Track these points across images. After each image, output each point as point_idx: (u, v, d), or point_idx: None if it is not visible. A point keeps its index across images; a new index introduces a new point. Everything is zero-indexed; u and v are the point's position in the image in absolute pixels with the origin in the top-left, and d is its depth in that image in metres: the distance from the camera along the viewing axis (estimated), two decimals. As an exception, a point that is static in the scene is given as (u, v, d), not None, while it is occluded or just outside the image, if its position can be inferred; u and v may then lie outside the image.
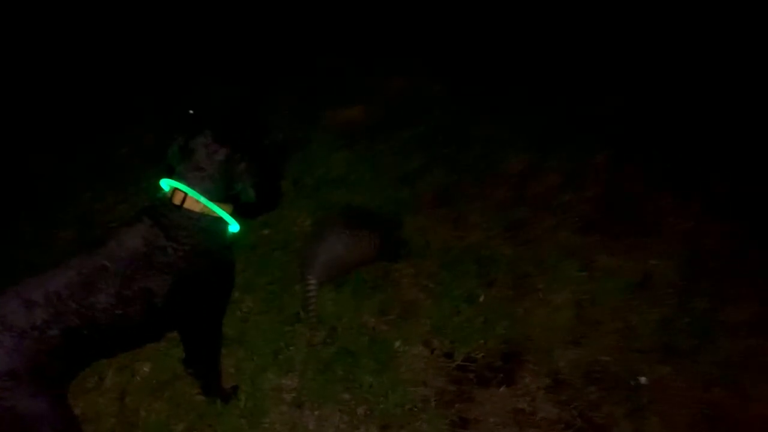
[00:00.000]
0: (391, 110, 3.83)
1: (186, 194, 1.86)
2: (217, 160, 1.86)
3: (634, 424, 2.29)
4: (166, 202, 1.87)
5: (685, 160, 3.51)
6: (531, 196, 3.31)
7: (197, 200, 1.87)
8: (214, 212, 1.90)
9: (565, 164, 3.51)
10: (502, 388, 2.40)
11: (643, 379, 2.47)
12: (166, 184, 1.89)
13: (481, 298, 2.71)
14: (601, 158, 3.55)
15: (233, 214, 1.94)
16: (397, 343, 2.52)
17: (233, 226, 1.96)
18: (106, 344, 1.82)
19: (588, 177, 3.43)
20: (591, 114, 3.87)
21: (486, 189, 3.35)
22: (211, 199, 1.88)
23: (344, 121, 3.72)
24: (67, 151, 3.45)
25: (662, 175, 3.45)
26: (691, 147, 3.59)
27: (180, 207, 1.86)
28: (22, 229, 2.97)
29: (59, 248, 2.86)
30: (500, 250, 2.97)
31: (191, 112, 2.10)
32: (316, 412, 2.28)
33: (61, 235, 2.95)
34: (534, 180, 3.41)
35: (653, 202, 3.31)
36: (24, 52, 4.21)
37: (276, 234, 2.93)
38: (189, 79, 4.20)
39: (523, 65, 4.25)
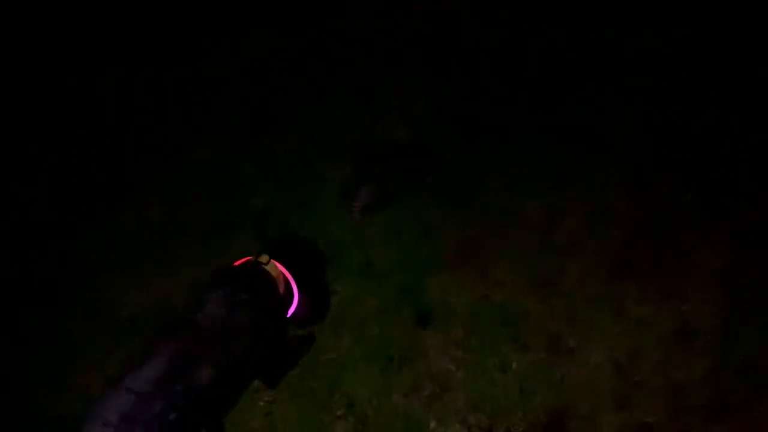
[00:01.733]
0: (398, 162, 3.71)
1: None
2: None
3: (692, 493, 2.16)
4: None
5: (709, 188, 3.38)
6: (554, 244, 3.17)
7: None
8: None
9: (585, 204, 3.37)
10: (547, 465, 2.27)
11: (696, 441, 2.35)
12: None
13: (515, 365, 2.58)
14: (624, 193, 3.42)
15: None
16: (432, 424, 2.41)
17: None
18: (208, 415, 1.97)
19: (610, 216, 3.30)
20: (604, 144, 3.74)
21: (508, 239, 3.21)
22: None
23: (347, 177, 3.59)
24: (68, 234, 3.34)
25: (688, 207, 3.33)
26: (715, 172, 3.46)
27: None
28: (26, 324, 2.86)
29: (69, 345, 2.75)
30: (529, 307, 2.84)
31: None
32: None
33: (69, 328, 2.85)
34: (555, 225, 3.27)
35: (681, 237, 3.17)
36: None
37: (293, 311, 2.81)
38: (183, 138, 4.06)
39: (524, 100, 4.14)
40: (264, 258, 2.20)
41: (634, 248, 3.15)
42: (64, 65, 4.54)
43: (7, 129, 4.09)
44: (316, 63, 4.48)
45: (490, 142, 3.74)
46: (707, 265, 3.04)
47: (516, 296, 2.90)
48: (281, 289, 2.20)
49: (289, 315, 2.26)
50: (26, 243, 3.29)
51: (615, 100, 4.00)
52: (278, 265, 2.21)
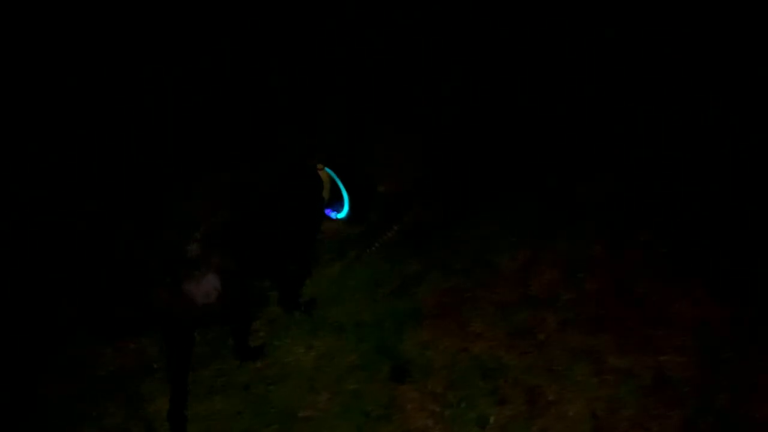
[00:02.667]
0: (380, 216, 3.77)
1: None
2: None
3: None
4: None
5: (682, 242, 3.45)
6: (532, 295, 3.21)
7: None
8: None
9: (563, 256, 3.42)
10: None
11: (675, 495, 2.33)
12: None
13: (493, 420, 2.57)
14: (599, 247, 3.48)
15: None
16: (410, 482, 2.37)
17: None
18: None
19: (588, 269, 3.35)
20: (581, 199, 3.82)
21: (486, 291, 3.24)
22: None
23: (332, 231, 3.64)
24: (46, 291, 3.33)
25: (661, 260, 3.38)
26: (686, 227, 3.54)
27: None
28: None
29: (42, 406, 2.71)
30: (507, 360, 2.85)
31: None
32: None
33: (43, 392, 2.80)
34: (533, 277, 3.32)
35: (656, 290, 3.22)
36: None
37: (269, 368, 2.80)
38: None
39: (505, 154, 4.24)
40: (320, 165, 2.86)
41: (611, 300, 3.19)
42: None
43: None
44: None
45: (469, 196, 3.83)
46: (683, 316, 3.07)
47: (494, 349, 2.91)
48: (326, 192, 2.85)
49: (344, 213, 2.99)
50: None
51: (592, 155, 4.14)
52: (329, 173, 2.89)
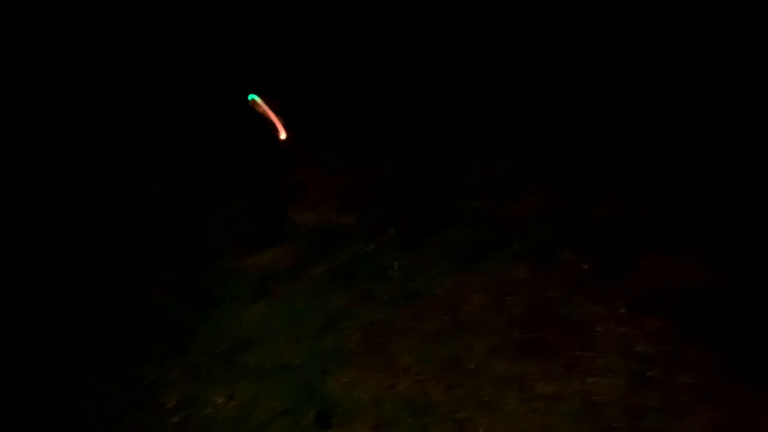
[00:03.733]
0: (304, 249, 3.67)
1: None
2: None
3: None
4: None
5: (600, 259, 3.47)
6: (460, 323, 3.16)
7: None
8: None
9: (490, 280, 3.40)
10: None
11: None
12: None
13: (422, 460, 2.49)
14: (524, 268, 3.47)
15: None
16: None
17: None
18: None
19: (514, 291, 3.33)
20: (505, 220, 3.82)
21: (413, 322, 3.18)
22: None
23: (256, 268, 3.51)
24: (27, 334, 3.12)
25: (585, 278, 3.39)
26: (610, 241, 3.57)
27: None
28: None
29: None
30: (435, 394, 2.77)
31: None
32: None
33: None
34: (461, 303, 3.27)
35: (581, 309, 3.22)
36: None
37: (186, 422, 2.64)
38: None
39: (421, 177, 4.22)
40: (251, 101, 3.40)
41: (538, 322, 3.16)
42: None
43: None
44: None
45: (390, 224, 3.77)
46: (608, 335, 3.07)
47: (423, 383, 2.84)
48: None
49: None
50: None
51: (514, 175, 4.15)
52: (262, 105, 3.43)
